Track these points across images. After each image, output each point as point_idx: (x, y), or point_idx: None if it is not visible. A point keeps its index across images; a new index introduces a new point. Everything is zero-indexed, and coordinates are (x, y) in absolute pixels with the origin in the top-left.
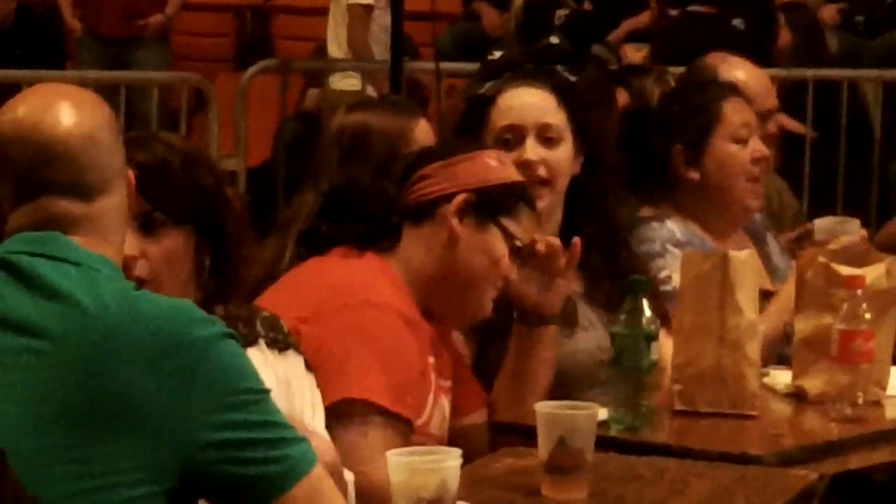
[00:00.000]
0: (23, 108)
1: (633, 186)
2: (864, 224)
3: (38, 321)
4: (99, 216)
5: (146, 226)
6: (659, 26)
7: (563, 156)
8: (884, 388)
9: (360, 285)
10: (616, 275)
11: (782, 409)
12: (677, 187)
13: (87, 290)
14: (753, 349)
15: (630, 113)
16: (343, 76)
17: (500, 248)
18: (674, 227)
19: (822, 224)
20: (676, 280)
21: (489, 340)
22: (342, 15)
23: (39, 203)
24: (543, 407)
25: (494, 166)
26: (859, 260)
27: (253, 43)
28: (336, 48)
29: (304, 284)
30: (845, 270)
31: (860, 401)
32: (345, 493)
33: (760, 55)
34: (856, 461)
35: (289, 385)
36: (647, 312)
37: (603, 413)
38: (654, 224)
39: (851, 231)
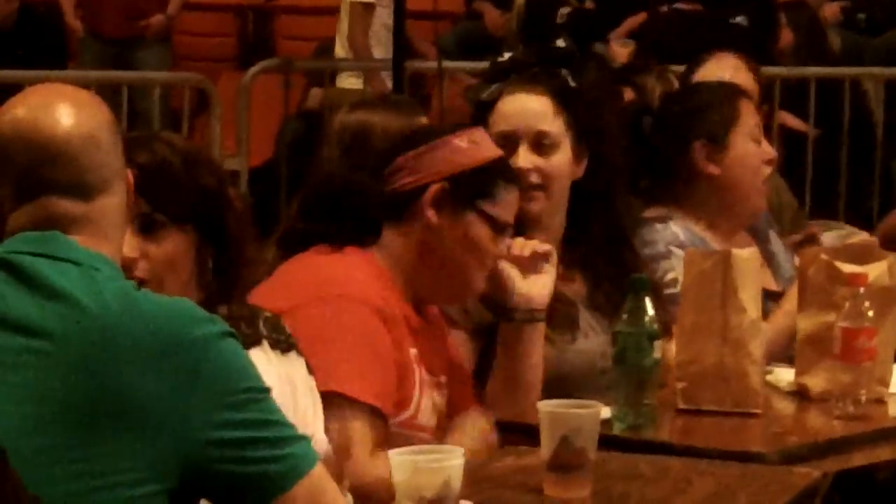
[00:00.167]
0: (22, 109)
1: (639, 186)
2: (867, 222)
3: (39, 321)
4: (99, 216)
5: (146, 227)
6: (645, 23)
7: (559, 162)
8: (886, 386)
9: (334, 279)
10: (620, 278)
11: (785, 407)
12: (692, 184)
13: (87, 290)
14: (756, 347)
15: (633, 111)
16: (349, 75)
17: (482, 232)
18: (677, 229)
19: (828, 239)
20: (679, 283)
21: (494, 340)
22: (344, 19)
23: (39, 203)
24: (546, 406)
25: (466, 148)
26: (862, 257)
27: (255, 43)
28: (342, 48)
29: (281, 282)
30: (847, 268)
31: (863, 398)
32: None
33: (751, 52)
34: (859, 459)
35: (292, 386)
36: (650, 311)
37: (606, 412)
38: (658, 226)
39: None
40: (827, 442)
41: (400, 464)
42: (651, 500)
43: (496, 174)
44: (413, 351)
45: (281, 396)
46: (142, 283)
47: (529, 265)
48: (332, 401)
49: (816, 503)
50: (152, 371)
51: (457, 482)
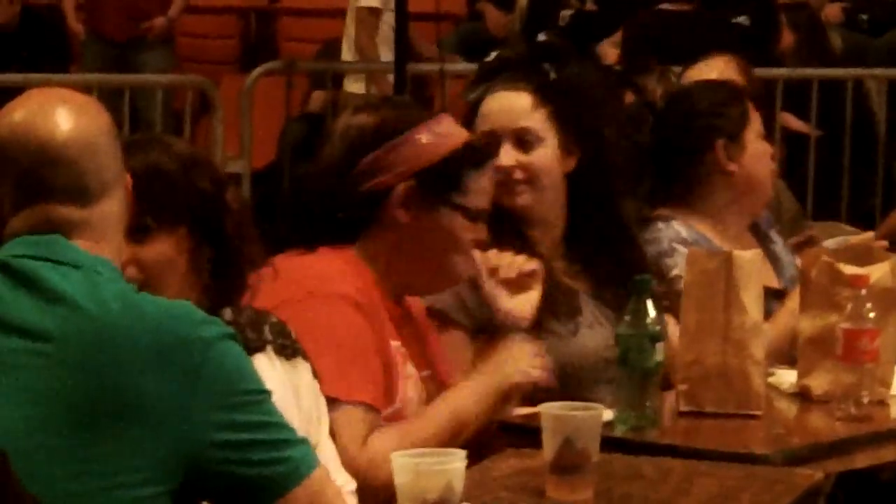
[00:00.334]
0: (22, 112)
1: (642, 188)
2: (869, 223)
3: (40, 324)
4: (98, 221)
5: (136, 232)
6: (630, 24)
7: (543, 156)
8: (888, 387)
9: (311, 278)
10: (624, 275)
11: (787, 408)
12: (707, 183)
13: (88, 293)
14: (758, 348)
15: (635, 112)
16: (356, 79)
17: (457, 223)
18: (679, 227)
19: (832, 245)
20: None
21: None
22: (352, 23)
23: (39, 208)
24: (549, 408)
25: (428, 143)
26: (863, 259)
27: (258, 45)
28: (349, 52)
29: (255, 287)
30: (849, 269)
31: (865, 400)
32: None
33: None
34: (861, 460)
35: (296, 392)
36: (652, 313)
37: (608, 413)
38: (660, 224)
39: None
40: (829, 443)
41: (402, 466)
42: (653, 501)
43: (463, 163)
44: (396, 344)
45: (284, 402)
46: None
47: (515, 284)
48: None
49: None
50: (153, 372)
51: (459, 484)
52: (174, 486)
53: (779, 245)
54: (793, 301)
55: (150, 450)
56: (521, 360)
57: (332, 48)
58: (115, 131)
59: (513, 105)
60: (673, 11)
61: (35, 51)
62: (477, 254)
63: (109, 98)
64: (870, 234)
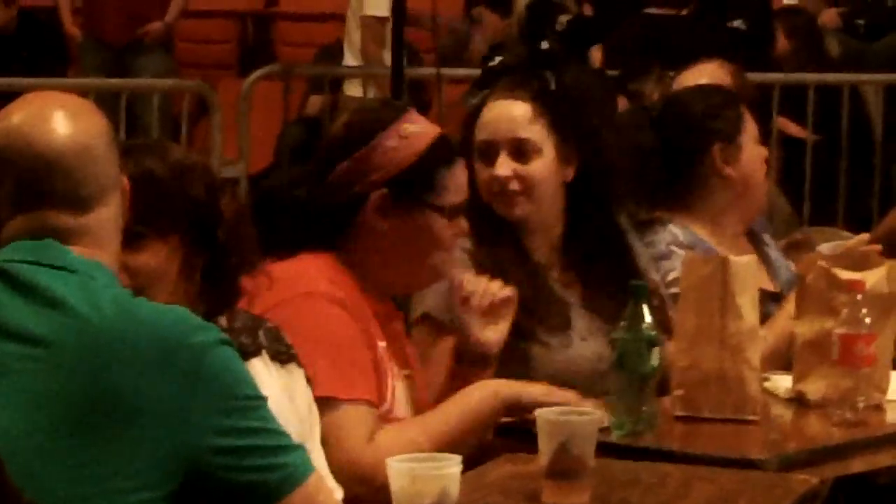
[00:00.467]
0: (18, 117)
1: (646, 188)
2: (866, 228)
3: (36, 329)
4: (95, 227)
5: (129, 238)
6: (626, 28)
7: (540, 167)
8: (884, 392)
9: (294, 279)
10: (618, 282)
11: (784, 413)
12: (705, 186)
13: (84, 298)
14: (754, 353)
15: (632, 116)
16: (357, 84)
17: (435, 223)
18: (676, 230)
19: (826, 250)
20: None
21: None
22: (357, 25)
23: (36, 214)
24: (544, 412)
25: (397, 147)
26: (860, 264)
27: (255, 49)
28: (351, 56)
29: (251, 292)
30: (846, 274)
31: (861, 405)
32: None
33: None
34: (857, 465)
35: (291, 397)
36: (648, 317)
37: (604, 419)
38: (657, 227)
39: None
40: (825, 448)
41: (398, 471)
42: None
43: (434, 163)
44: (382, 344)
45: (278, 407)
46: None
47: (489, 312)
48: (319, 404)
49: None
50: (149, 377)
51: (454, 489)
52: (170, 491)
53: (772, 248)
54: (791, 305)
55: (147, 454)
56: (555, 389)
57: (329, 52)
58: (112, 137)
59: (511, 114)
60: (667, 15)
61: (32, 54)
62: (456, 276)
63: (107, 102)
64: (864, 236)
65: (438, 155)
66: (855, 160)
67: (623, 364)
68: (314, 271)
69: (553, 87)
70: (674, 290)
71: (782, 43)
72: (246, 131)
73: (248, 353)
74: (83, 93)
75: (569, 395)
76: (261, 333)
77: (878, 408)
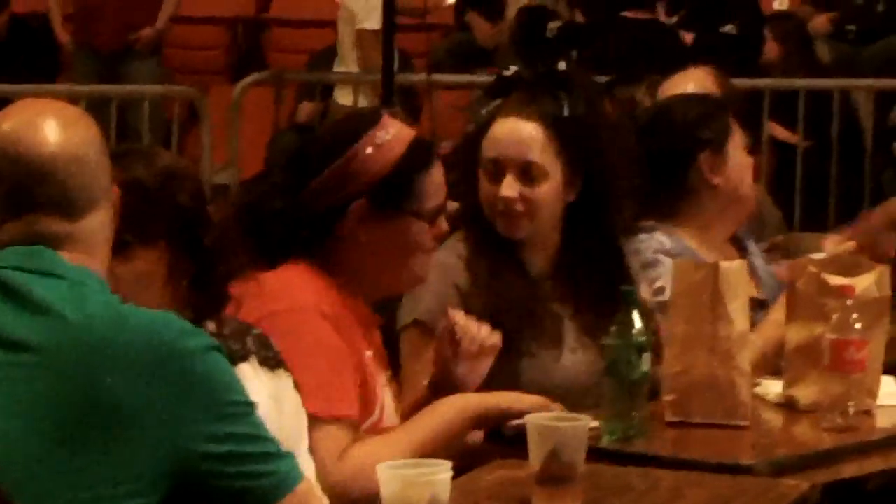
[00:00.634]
0: (10, 124)
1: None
2: None
3: (26, 336)
4: (85, 234)
5: (115, 246)
6: (617, 35)
7: (546, 191)
8: (875, 398)
9: (279, 292)
10: (609, 296)
11: (774, 418)
12: (692, 196)
13: (74, 304)
14: (744, 359)
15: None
16: (347, 90)
17: (416, 227)
18: (662, 237)
19: (818, 258)
20: (667, 291)
21: None
22: (350, 35)
23: (26, 221)
24: (535, 419)
25: (373, 156)
26: (850, 269)
27: (246, 55)
28: (343, 64)
29: (239, 299)
30: (836, 280)
31: (852, 410)
32: None
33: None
34: (848, 470)
35: (280, 403)
36: (638, 323)
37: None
38: (643, 235)
39: None
40: (816, 454)
41: (388, 478)
42: None
43: (411, 169)
44: (369, 353)
45: (267, 413)
46: None
47: (474, 355)
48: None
49: None
50: (140, 383)
51: (445, 495)
52: (160, 498)
53: (756, 256)
54: (777, 312)
55: (137, 461)
56: (526, 395)
57: (321, 58)
58: (104, 145)
59: (522, 135)
60: (644, 20)
61: (23, 61)
62: (450, 315)
63: (97, 109)
64: (851, 244)
65: (415, 160)
66: (845, 165)
67: (613, 370)
68: (299, 284)
69: (566, 110)
70: (660, 298)
71: (773, 48)
72: (237, 138)
73: (236, 359)
74: (74, 99)
75: (536, 401)
76: (249, 339)
77: (869, 413)
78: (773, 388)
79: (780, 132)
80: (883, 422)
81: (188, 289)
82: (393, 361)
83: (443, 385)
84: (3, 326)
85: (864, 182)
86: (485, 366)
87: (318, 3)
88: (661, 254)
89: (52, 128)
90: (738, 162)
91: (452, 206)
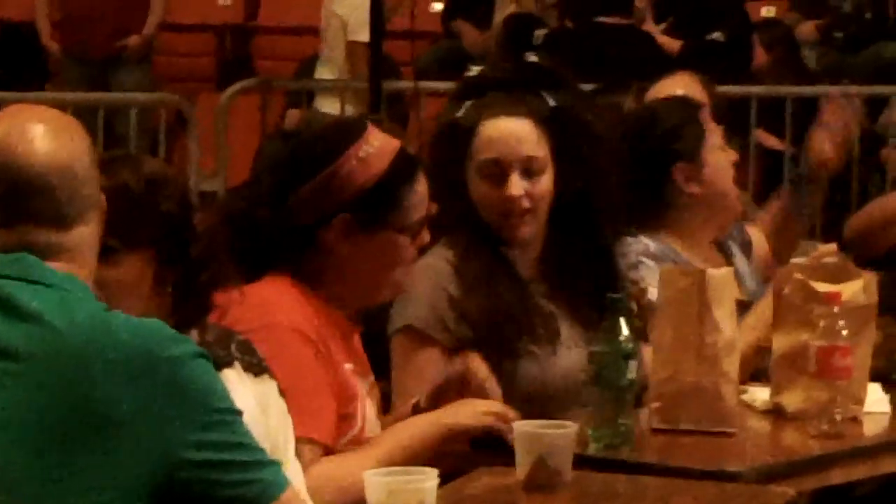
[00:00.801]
0: (0, 131)
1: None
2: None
3: (11, 343)
4: (74, 244)
5: (101, 253)
6: (561, 37)
7: (546, 185)
8: (861, 404)
9: (256, 307)
10: (598, 293)
11: (761, 425)
12: (674, 205)
13: (59, 311)
14: (731, 366)
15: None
16: (330, 97)
17: (399, 241)
18: (647, 240)
19: (801, 261)
20: (652, 293)
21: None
22: (341, 44)
23: (16, 230)
24: (522, 426)
25: (356, 169)
26: (837, 276)
27: (234, 63)
28: (328, 71)
29: (223, 307)
30: (822, 287)
31: (838, 417)
32: None
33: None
34: (835, 477)
35: (265, 409)
36: (625, 331)
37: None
38: (629, 238)
39: None
40: (802, 460)
41: (374, 485)
42: None
43: (395, 183)
44: (349, 366)
45: (253, 419)
46: None
47: (471, 388)
48: None
49: None
50: (125, 390)
51: (431, 503)
52: None
53: (738, 257)
54: (752, 316)
55: (124, 468)
56: (479, 406)
57: (309, 66)
58: (93, 153)
59: (518, 133)
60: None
61: (11, 68)
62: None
63: (85, 116)
64: (832, 246)
65: (399, 173)
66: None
67: (600, 377)
68: (279, 300)
69: (551, 103)
70: (640, 300)
71: (761, 55)
72: (224, 145)
73: (221, 365)
74: (61, 107)
75: (492, 415)
76: (233, 345)
77: (856, 420)
78: (760, 394)
79: (768, 139)
80: (870, 429)
81: (173, 296)
82: (383, 364)
83: (428, 416)
84: None
85: (851, 188)
86: (468, 409)
87: (306, 11)
88: (646, 257)
89: (44, 137)
90: (715, 164)
91: (432, 206)
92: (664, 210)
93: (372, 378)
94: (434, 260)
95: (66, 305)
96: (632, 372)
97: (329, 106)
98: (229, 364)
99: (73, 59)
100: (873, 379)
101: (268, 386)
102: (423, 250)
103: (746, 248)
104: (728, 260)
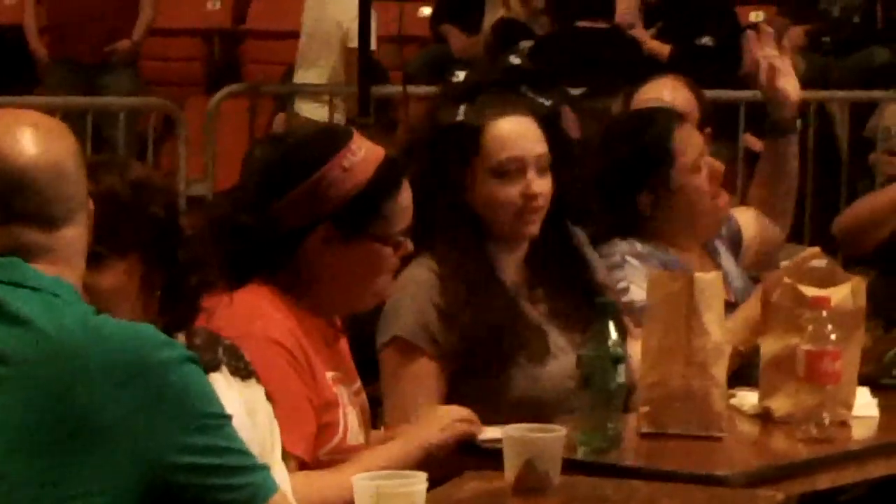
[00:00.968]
0: None
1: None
2: (832, 245)
3: (1, 348)
4: (62, 246)
5: (88, 258)
6: (547, 41)
7: (550, 182)
8: (850, 409)
9: (237, 317)
10: (581, 293)
11: (749, 429)
12: (650, 217)
13: (47, 315)
14: (719, 370)
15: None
16: (317, 106)
17: (381, 251)
18: (635, 241)
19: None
20: (634, 291)
21: (466, 370)
22: (331, 53)
23: (4, 231)
24: (510, 430)
25: (340, 179)
26: (825, 281)
27: (222, 67)
28: (315, 75)
29: (210, 311)
30: (811, 291)
31: (827, 421)
32: None
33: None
34: (823, 481)
35: (252, 412)
36: (614, 335)
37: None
38: (616, 239)
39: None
40: (791, 464)
41: (363, 489)
42: None
43: (379, 193)
44: (330, 374)
45: (240, 423)
46: None
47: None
48: None
49: None
50: (115, 394)
51: None
52: None
53: (724, 257)
54: (731, 321)
55: (111, 473)
56: (445, 419)
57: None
58: (81, 156)
59: (529, 131)
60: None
61: (1, 72)
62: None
63: (73, 121)
64: (815, 249)
65: (383, 183)
66: (821, 177)
67: (589, 381)
68: (255, 308)
69: (546, 105)
70: (622, 298)
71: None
72: (212, 150)
73: (208, 369)
74: (49, 111)
75: (462, 414)
76: (220, 349)
77: (844, 424)
78: (748, 398)
79: (756, 144)
80: (858, 433)
81: (161, 299)
82: (371, 369)
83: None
84: None
85: (840, 193)
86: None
87: (294, 16)
88: (631, 256)
89: (32, 138)
90: (686, 190)
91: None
92: (641, 219)
93: (358, 384)
94: (418, 270)
95: (54, 310)
96: (621, 376)
97: (310, 110)
98: (216, 368)
99: (62, 63)
100: (862, 383)
101: (255, 390)
102: (406, 260)
103: (735, 240)
104: (714, 260)
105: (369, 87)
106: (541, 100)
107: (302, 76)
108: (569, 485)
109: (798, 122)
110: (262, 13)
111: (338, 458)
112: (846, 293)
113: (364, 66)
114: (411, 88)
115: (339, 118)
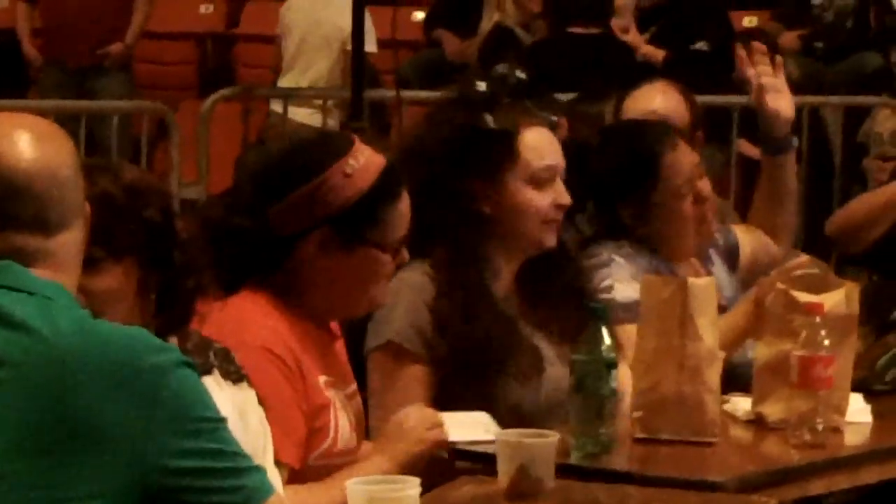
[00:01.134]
0: None
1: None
2: (825, 250)
3: None
4: (58, 251)
5: (84, 262)
6: (540, 47)
7: None
8: (843, 414)
9: (224, 326)
10: (571, 303)
11: (742, 435)
12: (636, 226)
13: (42, 319)
14: (712, 375)
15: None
16: (312, 112)
17: (377, 258)
18: (624, 241)
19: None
20: (618, 289)
21: (458, 377)
22: (327, 56)
23: (1, 237)
24: (503, 435)
25: (341, 185)
26: (818, 286)
27: (215, 70)
28: (305, 80)
29: (203, 315)
30: (804, 297)
31: (820, 427)
32: None
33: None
34: (816, 487)
35: (244, 416)
36: (607, 340)
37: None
38: (607, 240)
39: None
40: (784, 470)
41: (355, 494)
42: None
43: (378, 200)
44: (322, 378)
45: (232, 426)
46: None
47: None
48: None
49: None
50: (110, 398)
51: None
52: None
53: (717, 265)
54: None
55: (106, 476)
56: (418, 428)
57: None
58: (77, 161)
59: (555, 141)
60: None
61: None
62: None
63: (66, 124)
64: (804, 259)
65: (383, 191)
66: (815, 182)
67: (582, 386)
68: (247, 314)
69: (555, 117)
70: (605, 296)
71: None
72: (205, 153)
73: (200, 372)
74: (42, 114)
75: (435, 419)
76: (211, 353)
77: (837, 430)
78: (741, 404)
79: (750, 149)
80: (851, 439)
81: (156, 302)
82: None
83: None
84: None
85: (833, 198)
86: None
87: None
88: (618, 255)
89: (30, 144)
90: (669, 211)
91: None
92: (630, 229)
93: (353, 387)
94: (412, 274)
95: (50, 313)
96: (614, 381)
97: (304, 115)
98: (208, 371)
99: (55, 66)
100: (855, 389)
101: (246, 394)
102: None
103: (732, 253)
104: (706, 268)
105: (362, 91)
106: (544, 114)
107: (293, 80)
108: (562, 490)
109: (794, 140)
110: (255, 17)
111: (328, 462)
112: (839, 299)
113: (357, 69)
114: (405, 93)
115: (333, 123)
